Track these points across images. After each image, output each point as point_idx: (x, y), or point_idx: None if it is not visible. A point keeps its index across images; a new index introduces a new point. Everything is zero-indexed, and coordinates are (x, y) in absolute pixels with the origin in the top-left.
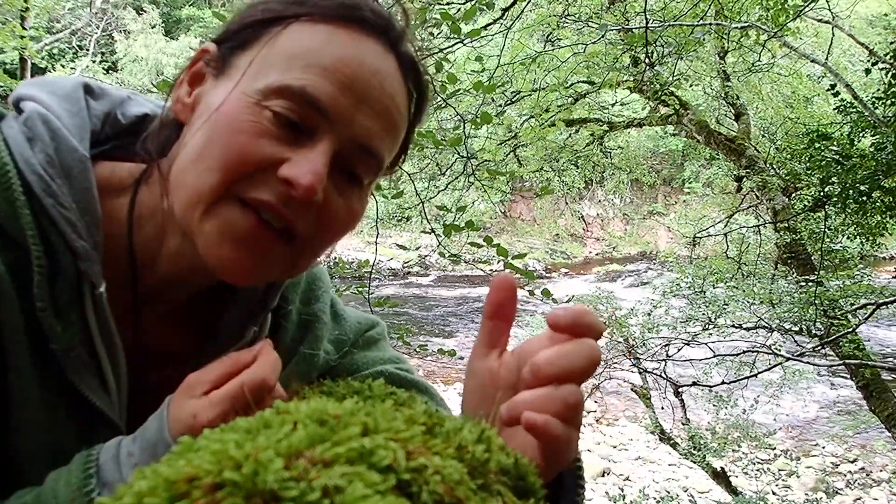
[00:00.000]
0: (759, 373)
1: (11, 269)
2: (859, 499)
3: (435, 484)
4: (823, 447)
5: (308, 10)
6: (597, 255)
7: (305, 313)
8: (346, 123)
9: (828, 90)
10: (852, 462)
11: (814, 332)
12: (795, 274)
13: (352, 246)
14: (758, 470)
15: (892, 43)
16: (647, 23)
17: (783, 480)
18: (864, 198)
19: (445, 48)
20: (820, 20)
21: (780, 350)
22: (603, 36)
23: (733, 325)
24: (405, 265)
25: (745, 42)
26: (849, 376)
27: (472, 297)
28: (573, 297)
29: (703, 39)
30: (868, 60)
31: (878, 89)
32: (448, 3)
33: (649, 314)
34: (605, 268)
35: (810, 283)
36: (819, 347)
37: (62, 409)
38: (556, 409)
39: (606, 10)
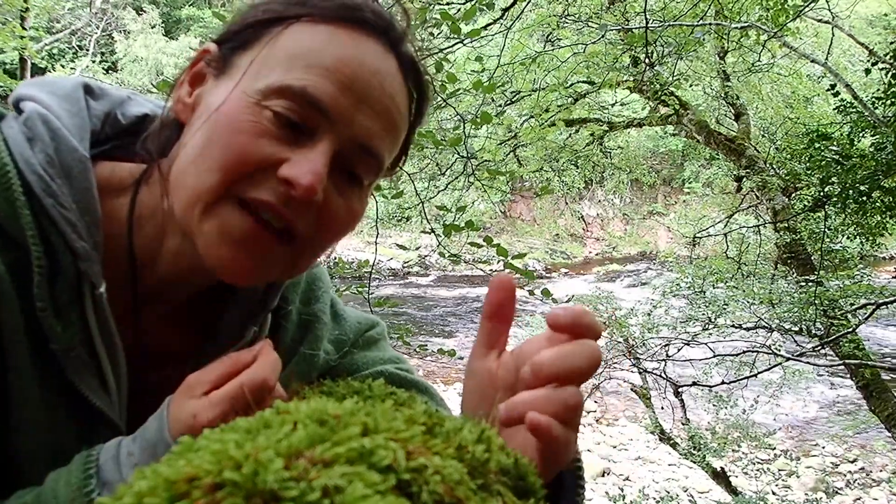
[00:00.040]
0: (759, 373)
1: (11, 269)
2: (859, 499)
3: (435, 484)
4: (823, 447)
5: (309, 10)
6: (597, 255)
7: (305, 313)
8: (346, 123)
9: (828, 90)
10: (852, 462)
11: (814, 332)
12: (795, 274)
13: (352, 246)
14: (758, 470)
15: (892, 43)
16: (647, 23)
17: (783, 480)
18: (864, 198)
19: (445, 48)
20: (820, 20)
21: (779, 350)
22: (603, 36)
23: (733, 325)
24: (405, 265)
25: (745, 42)
26: (848, 376)
27: (472, 297)
28: (573, 297)
29: (703, 39)
30: (868, 60)
31: (878, 89)
32: (448, 3)
33: (649, 314)
34: (604, 268)
35: (810, 283)
36: (819, 347)
37: (62, 409)
38: (556, 409)
39: (606, 10)
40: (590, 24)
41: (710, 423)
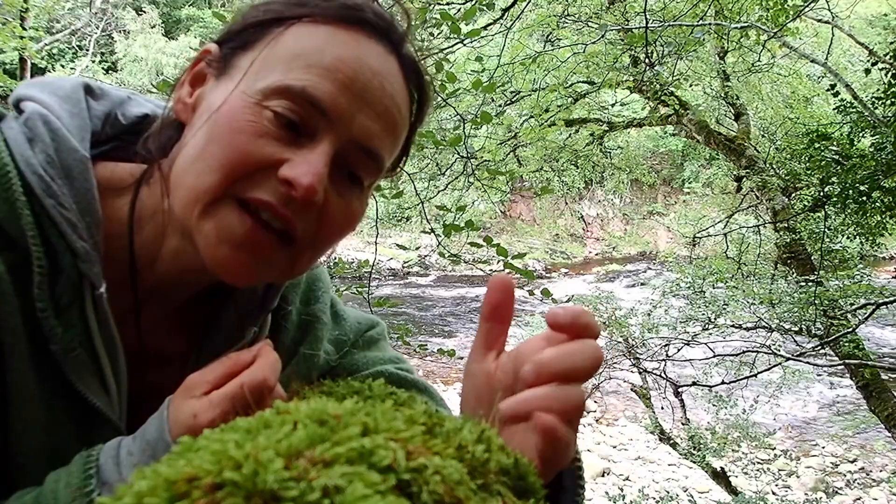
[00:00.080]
0: (758, 373)
1: (11, 270)
2: (859, 499)
3: (435, 484)
4: (823, 447)
5: (310, 11)
6: (597, 255)
7: (305, 314)
8: (346, 124)
9: (828, 90)
10: (852, 462)
11: (814, 332)
12: (795, 274)
13: (352, 246)
14: (757, 470)
15: (892, 43)
16: (647, 23)
17: (783, 480)
18: (864, 198)
19: (445, 48)
20: (820, 20)
21: (779, 350)
22: (603, 36)
23: (733, 325)
24: (405, 265)
25: (745, 42)
26: (848, 376)
27: (471, 297)
28: (573, 297)
29: (703, 39)
30: (868, 60)
31: (878, 89)
32: (448, 3)
33: (649, 314)
34: (604, 268)
35: (810, 283)
36: (819, 347)
37: (62, 409)
38: (562, 407)
39: (606, 10)
40: (590, 24)
41: (709, 423)
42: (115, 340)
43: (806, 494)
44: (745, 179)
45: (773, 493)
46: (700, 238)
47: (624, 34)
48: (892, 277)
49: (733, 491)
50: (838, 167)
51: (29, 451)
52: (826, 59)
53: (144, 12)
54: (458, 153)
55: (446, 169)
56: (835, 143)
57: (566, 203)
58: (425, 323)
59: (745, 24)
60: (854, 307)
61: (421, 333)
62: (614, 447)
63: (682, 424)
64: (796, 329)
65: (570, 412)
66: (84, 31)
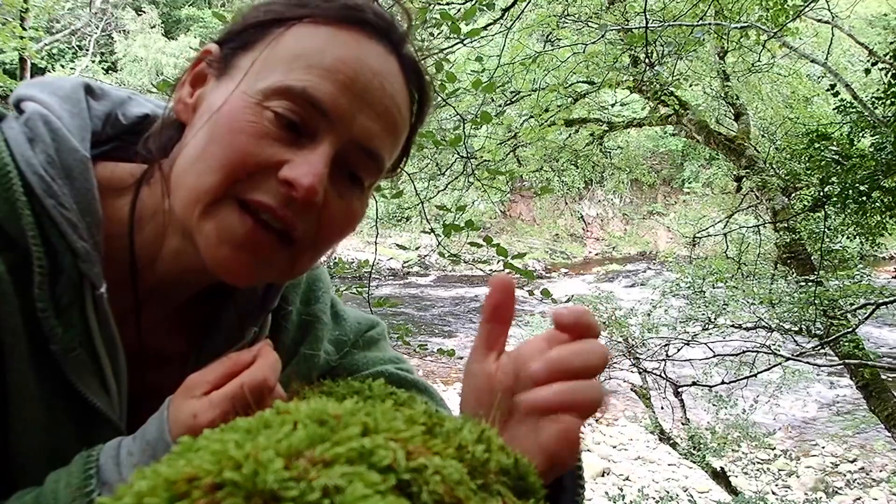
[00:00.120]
0: (758, 373)
1: (12, 270)
2: (859, 498)
3: (435, 484)
4: (823, 447)
5: (310, 11)
6: (596, 255)
7: (306, 314)
8: (346, 124)
9: (827, 90)
10: (852, 462)
11: (814, 332)
12: (795, 274)
13: (352, 246)
14: (757, 470)
15: (891, 43)
16: (647, 23)
17: (783, 480)
18: (864, 198)
19: (445, 48)
20: (820, 20)
21: (779, 350)
22: (603, 36)
23: (733, 325)
24: (405, 265)
25: (745, 42)
26: (848, 376)
27: (471, 297)
28: (573, 296)
29: (703, 39)
30: (868, 60)
31: (878, 89)
32: (448, 3)
33: (649, 314)
34: (604, 268)
35: (810, 283)
36: (819, 347)
37: (62, 409)
38: (586, 400)
39: (606, 10)
40: (589, 24)
41: (709, 422)
42: (115, 340)
43: (806, 494)
44: (744, 179)
45: (773, 493)
46: (700, 238)
47: (624, 34)
48: (892, 277)
49: (733, 491)
50: (838, 167)
51: (29, 451)
52: (826, 59)
53: (144, 12)
54: (458, 153)
55: (446, 169)
56: (835, 143)
57: (566, 203)
58: (425, 323)
59: (745, 24)
60: (854, 307)
61: (421, 333)
62: (614, 447)
63: (682, 424)
64: (796, 329)
65: (593, 407)
66: (84, 31)
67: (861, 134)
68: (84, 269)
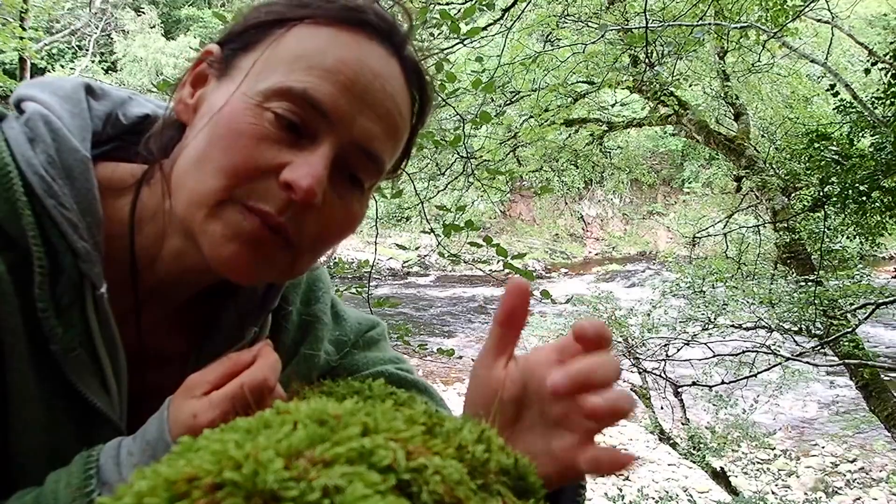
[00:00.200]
0: (758, 373)
1: (12, 270)
2: (859, 498)
3: (435, 484)
4: (823, 447)
5: (311, 12)
6: (596, 255)
7: (306, 314)
8: (347, 126)
9: (827, 90)
10: (852, 462)
11: (813, 332)
12: (795, 274)
13: (351, 246)
14: (757, 470)
15: (891, 43)
16: (646, 23)
17: (783, 480)
18: (864, 198)
19: (446, 48)
20: (820, 20)
21: (779, 350)
22: (602, 36)
23: (733, 325)
24: (405, 265)
25: (745, 42)
26: (848, 376)
27: (471, 297)
28: (573, 296)
29: (703, 39)
30: (868, 60)
31: (878, 89)
32: (448, 3)
33: (649, 314)
34: (604, 268)
35: (810, 283)
36: (819, 347)
37: (62, 409)
38: (625, 410)
39: (606, 10)
40: (589, 24)
41: (709, 422)
42: (115, 340)
43: (806, 494)
44: (744, 179)
45: (773, 493)
46: (700, 238)
47: (624, 34)
48: (892, 277)
49: (733, 491)
50: (838, 167)
51: (29, 451)
52: (826, 59)
53: (144, 12)
54: (458, 153)
55: (446, 169)
56: (834, 143)
57: (566, 203)
58: (425, 323)
59: (745, 25)
60: (854, 307)
61: (420, 333)
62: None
63: (682, 424)
64: (796, 329)
65: (625, 415)
66: (84, 31)
67: (861, 134)
68: (84, 269)
